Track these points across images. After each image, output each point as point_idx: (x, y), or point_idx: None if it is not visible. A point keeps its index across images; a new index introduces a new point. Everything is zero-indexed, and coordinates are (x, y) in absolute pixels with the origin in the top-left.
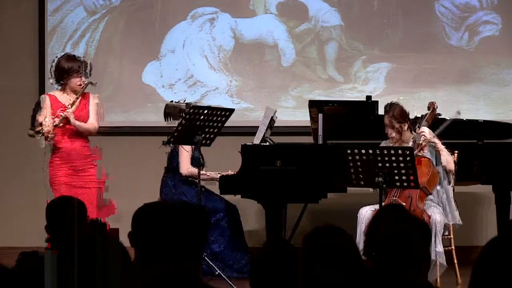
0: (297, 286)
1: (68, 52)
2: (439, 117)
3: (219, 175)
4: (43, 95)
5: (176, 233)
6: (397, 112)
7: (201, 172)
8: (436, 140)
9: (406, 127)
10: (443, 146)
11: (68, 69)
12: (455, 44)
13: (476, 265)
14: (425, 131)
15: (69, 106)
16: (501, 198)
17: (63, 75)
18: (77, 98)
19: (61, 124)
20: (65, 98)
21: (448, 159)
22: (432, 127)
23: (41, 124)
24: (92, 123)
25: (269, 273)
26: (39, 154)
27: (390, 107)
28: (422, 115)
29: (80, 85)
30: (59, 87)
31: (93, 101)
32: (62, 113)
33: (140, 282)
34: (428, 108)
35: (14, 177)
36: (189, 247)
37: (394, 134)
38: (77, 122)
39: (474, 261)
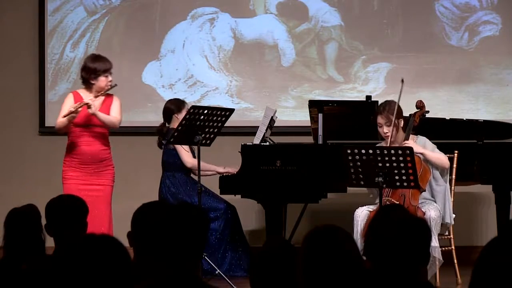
0: (297, 286)
1: (94, 53)
2: (427, 115)
3: (223, 170)
4: (70, 93)
5: (175, 233)
6: (393, 107)
7: (206, 164)
8: (422, 150)
9: (402, 124)
10: (430, 152)
11: (94, 69)
12: (455, 44)
13: (476, 265)
14: (409, 143)
15: (93, 98)
16: (501, 198)
17: (90, 75)
18: (101, 94)
19: (79, 109)
20: (89, 96)
21: (439, 157)
22: (421, 125)
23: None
24: (115, 116)
25: (269, 273)
26: (39, 154)
27: (385, 105)
28: (410, 114)
29: (108, 84)
30: (84, 86)
31: (117, 101)
32: (83, 102)
33: (139, 282)
34: (417, 107)
35: (14, 177)
36: (189, 246)
37: (390, 133)
38: (100, 113)
39: (474, 261)
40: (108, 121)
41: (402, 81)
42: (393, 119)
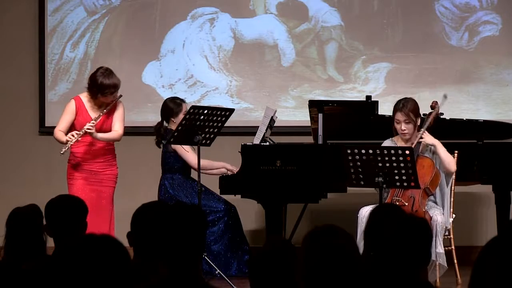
0: (297, 286)
1: (105, 66)
2: (441, 116)
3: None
4: (72, 99)
5: (174, 233)
6: (413, 105)
7: (214, 163)
8: (436, 142)
9: (419, 122)
10: (443, 148)
11: (104, 88)
12: (455, 44)
13: (476, 265)
14: (424, 136)
15: (93, 122)
16: (501, 198)
17: (98, 91)
18: (103, 113)
19: (79, 138)
20: (92, 107)
21: (450, 160)
22: (435, 126)
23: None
24: (116, 130)
25: (269, 273)
26: (39, 154)
27: (405, 102)
28: (424, 114)
29: (113, 100)
30: (89, 93)
31: (120, 108)
32: (83, 130)
33: (139, 282)
34: (432, 108)
35: (14, 176)
36: (188, 246)
37: (408, 130)
38: (99, 135)
39: (474, 261)
40: (107, 139)
41: (445, 97)
42: (413, 117)
